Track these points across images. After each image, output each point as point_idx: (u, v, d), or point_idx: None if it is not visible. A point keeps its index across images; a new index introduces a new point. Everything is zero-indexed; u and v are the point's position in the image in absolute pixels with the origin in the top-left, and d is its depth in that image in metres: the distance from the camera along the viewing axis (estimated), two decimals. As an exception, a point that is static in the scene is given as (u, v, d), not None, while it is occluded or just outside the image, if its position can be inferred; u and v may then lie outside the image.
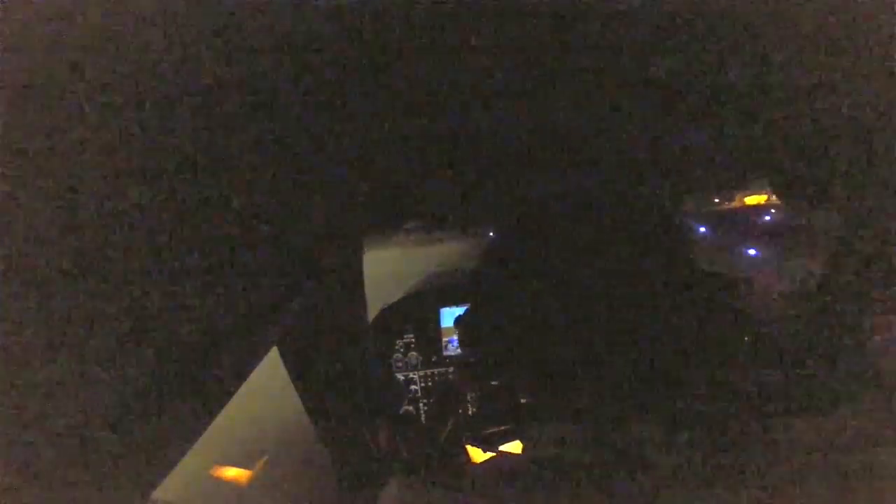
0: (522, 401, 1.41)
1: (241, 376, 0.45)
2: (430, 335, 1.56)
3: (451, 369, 1.56)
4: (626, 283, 0.47)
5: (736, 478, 0.45)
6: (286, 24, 0.40)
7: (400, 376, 1.52)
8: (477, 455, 1.04)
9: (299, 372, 0.81)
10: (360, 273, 0.87)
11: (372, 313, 1.38)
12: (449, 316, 1.57)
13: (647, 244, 0.49)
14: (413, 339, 1.55)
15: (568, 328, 0.48)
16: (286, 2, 0.38)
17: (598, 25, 0.44)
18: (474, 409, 1.49)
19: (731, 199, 1.67)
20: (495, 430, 1.46)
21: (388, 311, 1.56)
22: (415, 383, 1.54)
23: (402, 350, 1.54)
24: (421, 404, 1.54)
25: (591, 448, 0.50)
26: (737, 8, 0.43)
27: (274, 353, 0.72)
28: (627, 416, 0.50)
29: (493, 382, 1.13)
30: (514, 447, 1.34)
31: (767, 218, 1.62)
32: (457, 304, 1.57)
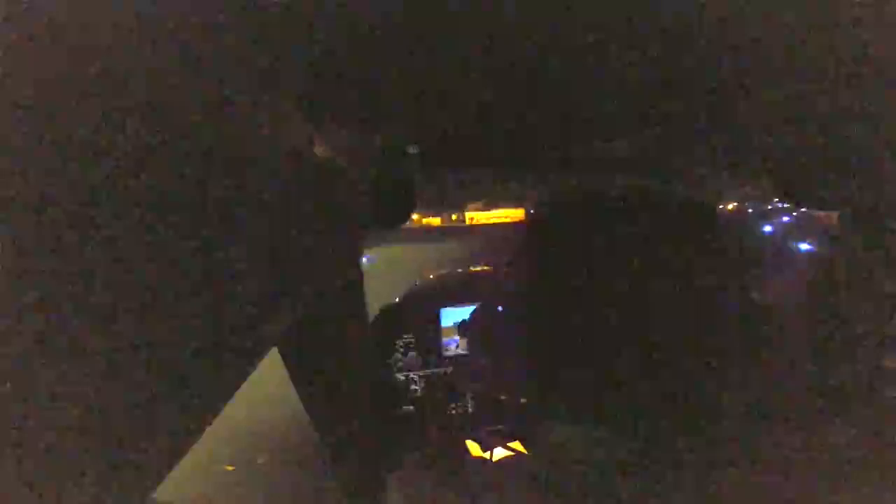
0: (522, 401, 1.41)
1: (240, 376, 0.45)
2: (430, 335, 1.56)
3: (450, 369, 1.56)
4: (635, 282, 0.47)
5: (740, 477, 0.45)
6: (280, 21, 0.40)
7: (400, 376, 1.52)
8: (475, 450, 1.04)
9: (299, 372, 0.81)
10: (360, 273, 0.87)
11: (372, 313, 1.37)
12: (449, 316, 1.57)
13: (651, 246, 0.49)
14: (413, 339, 1.55)
15: (576, 328, 0.48)
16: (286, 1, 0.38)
17: (607, 23, 0.44)
18: (474, 409, 1.49)
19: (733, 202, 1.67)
20: (496, 429, 1.46)
21: (388, 311, 1.56)
22: (415, 383, 1.54)
23: (402, 350, 1.54)
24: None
25: (593, 448, 0.50)
26: (739, 8, 0.43)
27: (274, 353, 0.72)
28: (631, 417, 0.50)
29: (494, 382, 1.13)
30: (517, 447, 1.35)
31: (770, 219, 1.62)
32: (457, 304, 1.57)
